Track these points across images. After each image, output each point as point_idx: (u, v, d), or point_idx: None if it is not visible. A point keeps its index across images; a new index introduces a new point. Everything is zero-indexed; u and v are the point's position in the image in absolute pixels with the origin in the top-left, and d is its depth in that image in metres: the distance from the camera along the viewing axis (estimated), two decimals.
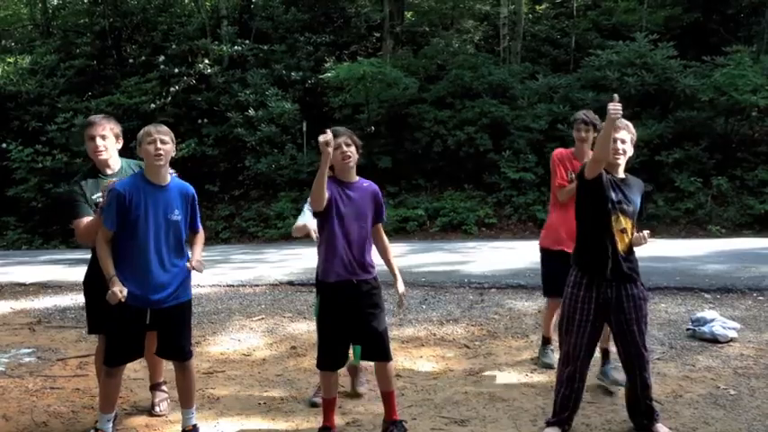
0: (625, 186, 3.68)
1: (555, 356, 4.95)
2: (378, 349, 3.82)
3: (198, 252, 3.88)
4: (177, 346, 3.87)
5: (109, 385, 3.84)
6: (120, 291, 3.52)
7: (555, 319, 5.02)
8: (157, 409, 4.36)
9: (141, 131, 3.73)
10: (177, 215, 3.75)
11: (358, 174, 3.94)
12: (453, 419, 4.14)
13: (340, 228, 3.77)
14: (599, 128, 4.67)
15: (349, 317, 3.79)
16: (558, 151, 5.13)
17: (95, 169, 4.09)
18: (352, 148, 3.77)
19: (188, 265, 3.76)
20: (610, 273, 3.61)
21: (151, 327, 3.79)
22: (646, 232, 3.66)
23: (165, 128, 3.78)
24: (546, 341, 5.28)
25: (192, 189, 3.90)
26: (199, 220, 3.96)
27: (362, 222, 3.83)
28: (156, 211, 3.69)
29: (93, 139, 3.97)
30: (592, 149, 4.37)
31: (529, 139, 15.34)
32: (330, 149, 3.48)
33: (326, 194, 3.64)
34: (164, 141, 3.66)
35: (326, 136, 3.44)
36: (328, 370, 3.85)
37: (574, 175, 4.81)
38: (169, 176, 3.79)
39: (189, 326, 3.96)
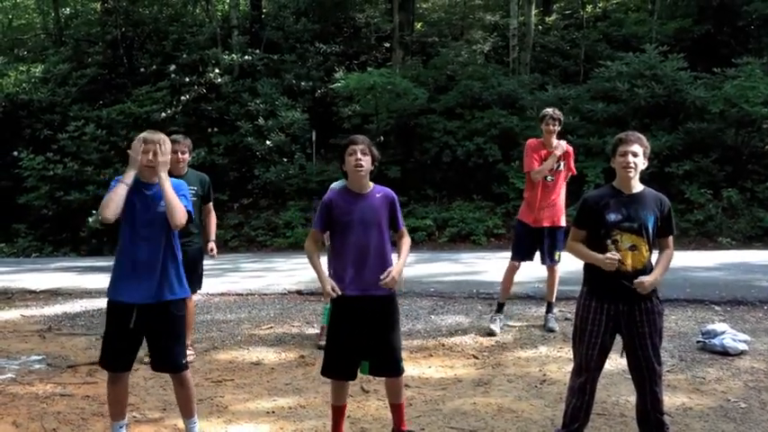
0: (632, 203, 3.60)
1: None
2: (390, 364, 3.79)
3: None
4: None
5: (112, 392, 3.86)
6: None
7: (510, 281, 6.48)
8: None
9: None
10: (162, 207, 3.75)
11: (378, 181, 3.93)
12: (462, 430, 4.13)
13: (351, 241, 3.71)
14: (562, 122, 6.32)
15: (361, 331, 3.74)
16: (530, 141, 6.46)
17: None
18: (368, 158, 3.71)
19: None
20: (615, 292, 3.60)
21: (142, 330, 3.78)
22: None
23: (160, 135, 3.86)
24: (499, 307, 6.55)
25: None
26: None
27: (375, 233, 3.73)
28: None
29: (175, 152, 5.13)
30: (558, 138, 6.32)
31: None
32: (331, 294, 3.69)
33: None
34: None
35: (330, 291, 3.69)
36: (333, 378, 3.84)
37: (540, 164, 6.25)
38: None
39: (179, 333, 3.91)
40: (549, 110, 6.36)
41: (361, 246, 3.71)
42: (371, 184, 3.83)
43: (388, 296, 3.78)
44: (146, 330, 3.78)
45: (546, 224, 6.33)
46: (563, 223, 6.42)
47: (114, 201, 3.63)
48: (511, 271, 6.50)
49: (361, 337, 3.75)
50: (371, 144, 3.79)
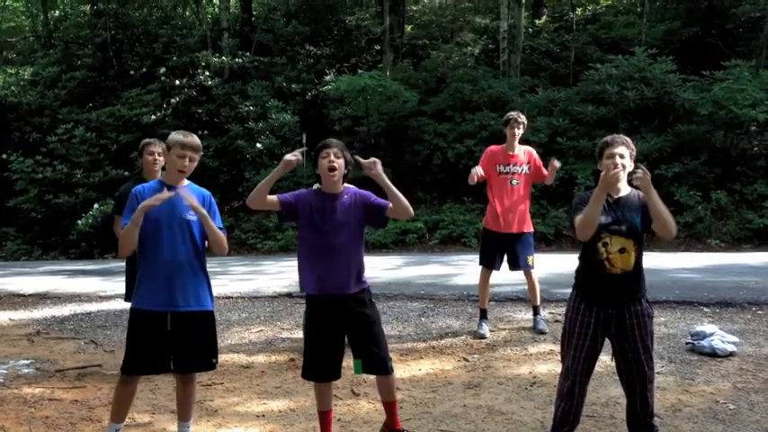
0: (620, 206, 3.61)
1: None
2: (375, 363, 3.79)
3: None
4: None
5: (124, 393, 3.84)
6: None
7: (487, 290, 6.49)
8: None
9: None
10: (192, 215, 3.84)
11: (358, 184, 3.94)
12: None
13: (320, 241, 3.74)
14: (525, 126, 6.38)
15: (339, 330, 3.77)
16: (490, 148, 6.46)
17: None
18: (341, 161, 3.77)
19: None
20: (605, 296, 3.61)
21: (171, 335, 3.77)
22: (639, 171, 3.43)
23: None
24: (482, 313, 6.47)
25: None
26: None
27: (347, 233, 3.77)
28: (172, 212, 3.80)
29: (151, 154, 5.07)
30: (519, 143, 6.34)
31: None
32: (291, 163, 3.71)
33: (271, 199, 3.84)
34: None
35: (295, 155, 3.73)
36: (312, 380, 3.85)
37: (503, 168, 6.29)
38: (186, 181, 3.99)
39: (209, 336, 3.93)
40: (514, 113, 6.43)
41: (332, 246, 3.73)
42: (344, 186, 3.89)
43: (358, 294, 3.79)
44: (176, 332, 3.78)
45: (513, 230, 6.26)
46: (530, 229, 6.39)
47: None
48: (484, 277, 6.47)
49: (338, 336, 3.77)
50: (345, 148, 3.85)
